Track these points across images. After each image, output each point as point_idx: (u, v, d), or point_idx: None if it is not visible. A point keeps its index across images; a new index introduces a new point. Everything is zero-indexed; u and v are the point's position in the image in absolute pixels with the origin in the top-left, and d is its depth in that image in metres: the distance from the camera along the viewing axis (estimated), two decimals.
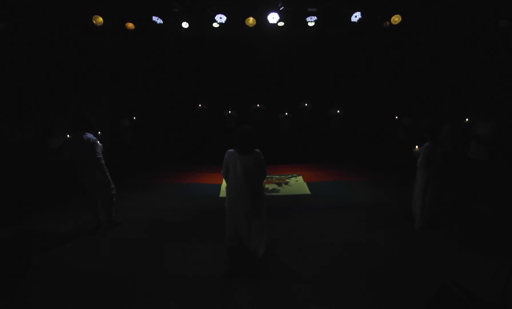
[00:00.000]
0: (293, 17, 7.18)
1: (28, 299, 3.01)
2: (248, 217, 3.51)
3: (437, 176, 4.27)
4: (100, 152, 4.39)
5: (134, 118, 8.61)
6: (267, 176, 4.15)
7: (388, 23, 7.04)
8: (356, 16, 7.06)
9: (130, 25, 7.17)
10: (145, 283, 3.25)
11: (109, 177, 4.53)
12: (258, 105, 8.87)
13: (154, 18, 7.13)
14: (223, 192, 6.34)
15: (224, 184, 6.89)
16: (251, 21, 7.04)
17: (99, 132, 6.81)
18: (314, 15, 7.21)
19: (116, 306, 2.93)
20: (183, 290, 3.15)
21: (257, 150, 3.57)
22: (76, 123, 4.29)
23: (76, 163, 4.30)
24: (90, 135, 4.27)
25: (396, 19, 6.84)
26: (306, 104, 9.02)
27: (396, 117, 8.30)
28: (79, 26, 6.69)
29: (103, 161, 4.40)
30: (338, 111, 8.85)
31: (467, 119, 6.21)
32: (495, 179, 5.30)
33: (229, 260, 3.60)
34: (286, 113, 8.86)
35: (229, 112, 8.84)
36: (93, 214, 4.53)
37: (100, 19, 6.65)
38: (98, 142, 4.39)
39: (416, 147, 4.49)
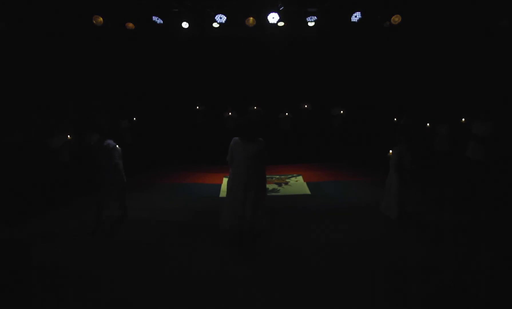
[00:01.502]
0: (293, 17, 7.18)
1: (28, 302, 3.01)
2: (251, 198, 3.83)
3: (409, 175, 4.55)
4: (118, 156, 4.57)
5: (134, 118, 8.60)
6: (267, 176, 4.27)
7: (388, 23, 7.05)
8: (356, 16, 7.06)
9: (130, 25, 7.18)
10: (146, 283, 3.25)
11: (124, 180, 4.71)
12: (255, 107, 8.83)
13: (154, 18, 7.14)
14: (223, 192, 6.33)
15: (224, 184, 6.90)
16: (251, 21, 7.04)
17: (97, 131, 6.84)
18: (314, 15, 7.21)
19: (117, 307, 2.94)
20: (184, 289, 3.15)
21: (261, 139, 3.89)
22: (97, 129, 4.67)
23: (96, 167, 4.51)
24: (109, 141, 4.49)
25: (396, 19, 6.84)
26: (305, 105, 8.99)
27: (395, 118, 8.29)
28: (79, 26, 6.69)
29: (121, 167, 4.61)
30: (341, 111, 8.83)
31: (463, 119, 6.23)
32: (492, 178, 5.32)
33: (229, 241, 3.93)
34: (287, 113, 8.85)
35: (229, 113, 8.82)
36: (96, 214, 4.56)
37: (100, 19, 6.66)
38: (117, 146, 4.57)
39: (390, 151, 4.73)
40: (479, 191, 5.32)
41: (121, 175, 4.64)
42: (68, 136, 6.12)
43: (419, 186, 6.03)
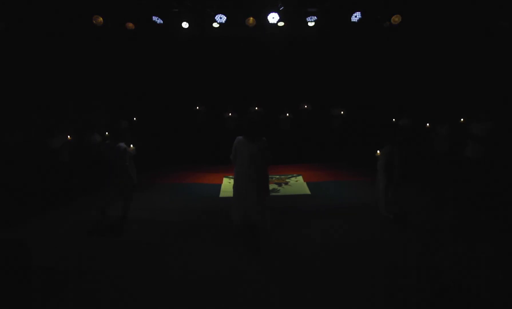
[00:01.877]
0: (293, 17, 7.18)
1: (28, 302, 3.01)
2: (253, 196, 3.96)
3: (397, 176, 4.57)
4: (129, 158, 4.74)
5: (134, 118, 8.59)
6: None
7: (388, 23, 7.05)
8: (356, 16, 7.06)
9: (130, 25, 7.18)
10: (146, 283, 3.25)
11: (135, 181, 4.87)
12: (256, 108, 8.79)
13: (154, 18, 7.14)
14: (223, 192, 6.36)
15: (224, 184, 6.92)
16: (251, 21, 7.05)
17: (107, 133, 6.94)
18: (314, 15, 7.21)
19: (117, 307, 2.94)
20: (184, 289, 3.15)
21: (264, 138, 4.06)
22: (112, 133, 4.89)
23: (105, 167, 4.70)
24: (121, 144, 4.64)
25: (396, 19, 6.85)
26: (305, 106, 8.97)
27: (394, 119, 8.30)
28: (79, 26, 6.69)
29: (132, 168, 4.81)
30: (342, 112, 8.81)
31: (462, 119, 6.26)
32: (491, 178, 5.35)
33: (238, 235, 4.15)
34: (287, 114, 8.81)
35: (229, 114, 8.78)
36: (100, 214, 4.65)
37: (100, 19, 6.66)
38: (131, 146, 4.86)
39: (378, 152, 4.80)
40: (478, 190, 5.33)
41: (131, 177, 4.77)
42: (68, 136, 6.14)
43: (418, 186, 6.07)
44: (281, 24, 7.16)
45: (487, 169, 5.37)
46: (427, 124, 7.18)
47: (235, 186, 4.14)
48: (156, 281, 3.29)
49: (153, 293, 3.11)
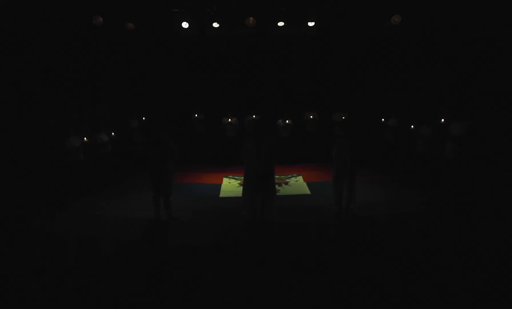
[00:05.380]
0: (293, 17, 7.18)
1: (28, 302, 3.01)
2: (262, 192, 4.40)
3: (347, 167, 4.75)
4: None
5: (144, 118, 8.60)
6: None
7: (388, 23, 7.04)
8: (355, 16, 7.07)
9: (130, 25, 7.18)
10: (145, 283, 3.26)
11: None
12: (253, 116, 8.44)
13: (155, 18, 7.14)
14: (223, 192, 6.37)
15: (224, 184, 6.93)
16: (251, 21, 7.05)
17: (113, 133, 6.96)
18: (314, 15, 7.21)
19: (117, 306, 2.94)
20: (184, 289, 3.15)
21: (272, 139, 4.42)
22: (156, 128, 5.13)
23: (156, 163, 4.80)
24: (169, 139, 4.90)
25: (396, 19, 6.85)
26: (311, 116, 8.70)
27: (383, 119, 8.30)
28: (78, 26, 6.70)
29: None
30: (343, 118, 8.71)
31: (442, 120, 6.29)
32: (468, 177, 5.41)
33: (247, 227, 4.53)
34: (287, 121, 8.61)
35: (229, 120, 8.51)
36: (156, 210, 4.86)
37: (100, 19, 6.66)
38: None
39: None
40: (455, 189, 5.44)
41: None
42: (85, 139, 6.24)
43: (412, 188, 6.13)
44: (281, 24, 7.17)
45: (464, 168, 5.48)
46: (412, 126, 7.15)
47: (245, 183, 4.49)
48: (155, 281, 3.30)
49: (152, 293, 3.11)
